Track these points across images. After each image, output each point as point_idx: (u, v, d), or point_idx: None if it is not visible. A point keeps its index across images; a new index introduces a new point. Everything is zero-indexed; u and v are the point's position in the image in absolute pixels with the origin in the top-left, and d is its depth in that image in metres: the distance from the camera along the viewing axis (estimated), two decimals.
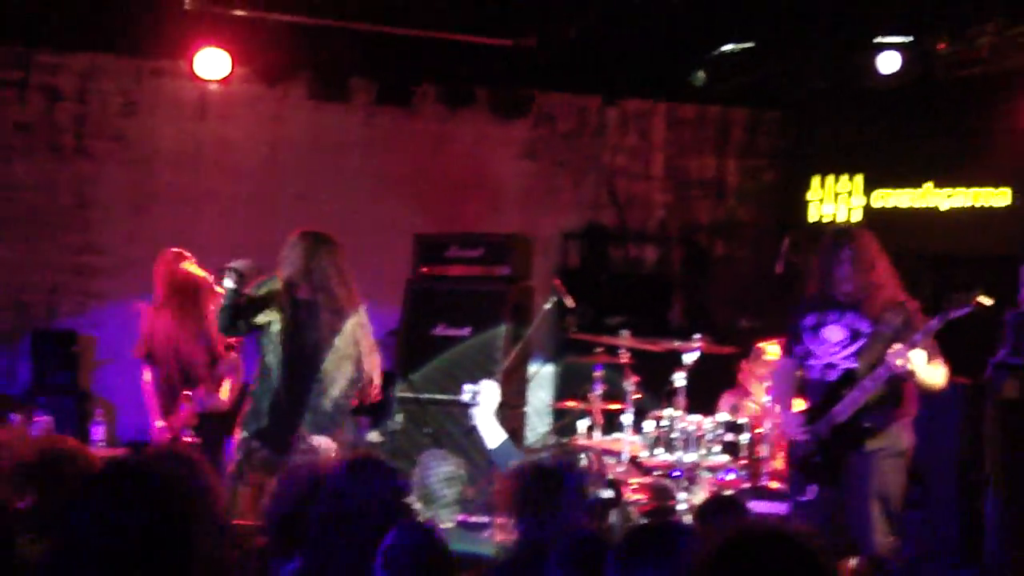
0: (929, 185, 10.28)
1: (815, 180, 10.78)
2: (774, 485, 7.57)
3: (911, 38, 8.71)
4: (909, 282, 6.51)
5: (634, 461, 8.06)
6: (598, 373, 8.26)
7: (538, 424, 9.96)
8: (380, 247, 10.14)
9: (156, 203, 10.12)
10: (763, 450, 7.70)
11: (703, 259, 11.59)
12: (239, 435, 6.71)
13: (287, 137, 10.49)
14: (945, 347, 6.25)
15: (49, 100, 9.94)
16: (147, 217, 10.06)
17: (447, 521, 5.26)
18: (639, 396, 8.10)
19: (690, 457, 7.77)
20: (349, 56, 9.89)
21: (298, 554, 4.23)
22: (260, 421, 6.65)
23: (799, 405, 6.61)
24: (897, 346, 6.05)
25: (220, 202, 10.22)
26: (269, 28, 9.15)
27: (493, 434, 5.83)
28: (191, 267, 7.61)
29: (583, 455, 8.04)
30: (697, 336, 7.97)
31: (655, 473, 8.01)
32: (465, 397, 6.08)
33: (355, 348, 6.65)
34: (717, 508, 5.22)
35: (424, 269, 8.97)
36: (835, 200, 10.71)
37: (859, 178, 10.62)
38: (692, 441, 7.79)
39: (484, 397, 5.93)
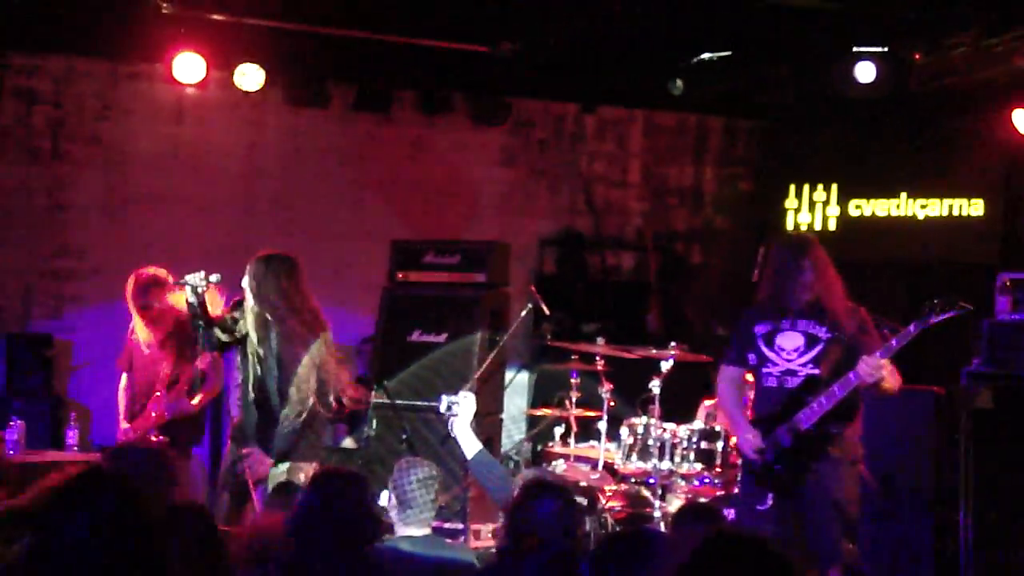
0: (904, 194, 10.34)
1: (791, 189, 10.83)
2: None
3: (887, 49, 8.74)
4: (884, 290, 6.53)
5: (609, 468, 8.06)
6: (574, 380, 8.26)
7: (514, 431, 9.96)
8: (357, 253, 10.15)
9: (132, 207, 10.08)
10: (738, 458, 7.70)
11: (680, 267, 11.61)
12: (229, 444, 6.80)
13: (264, 142, 10.47)
14: (918, 357, 6.27)
15: (25, 103, 9.89)
16: (123, 221, 10.02)
17: (423, 527, 5.27)
18: (614, 403, 8.11)
19: (665, 465, 7.79)
20: (327, 61, 9.87)
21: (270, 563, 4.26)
22: (243, 432, 6.68)
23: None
24: (877, 357, 6.02)
25: (197, 206, 10.18)
26: (247, 33, 9.13)
27: (470, 444, 5.86)
28: (171, 300, 7.49)
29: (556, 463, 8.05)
30: (673, 344, 8.00)
31: (630, 481, 8.02)
32: (442, 408, 6.11)
33: (316, 373, 6.63)
34: (693, 515, 5.21)
35: (400, 275, 8.95)
36: (811, 209, 10.75)
37: (835, 187, 10.67)
38: (667, 449, 7.80)
39: (461, 408, 5.95)
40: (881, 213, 10.44)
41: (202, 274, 6.57)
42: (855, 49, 8.79)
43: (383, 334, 8.82)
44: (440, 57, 9.75)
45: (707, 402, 8.50)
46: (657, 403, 7.89)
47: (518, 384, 10.03)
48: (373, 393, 8.49)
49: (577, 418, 8.23)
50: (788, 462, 6.22)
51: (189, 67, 9.15)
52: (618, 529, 7.39)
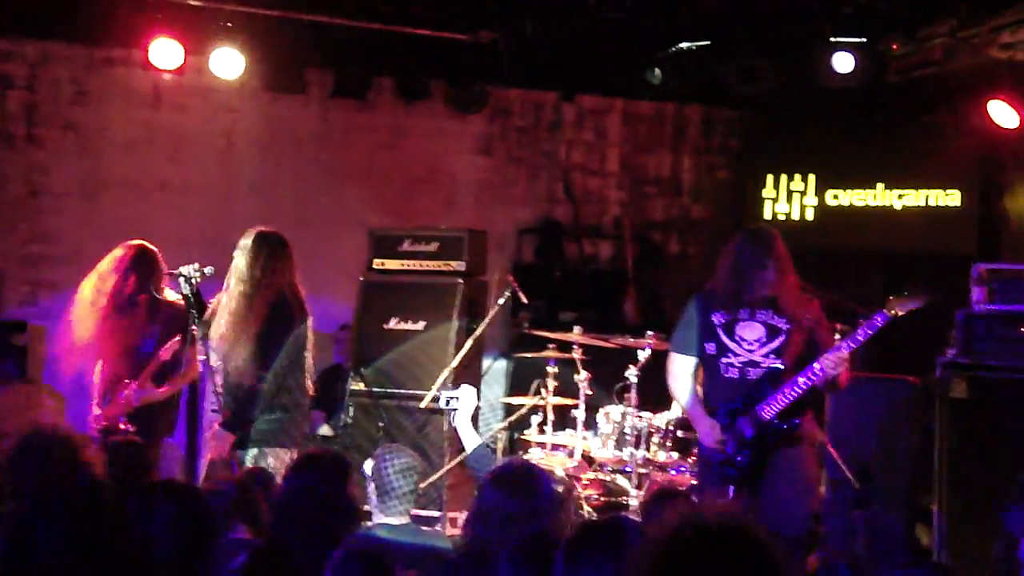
0: (881, 185, 10.37)
1: (769, 178, 10.84)
2: None
3: (865, 39, 8.76)
4: (860, 280, 6.55)
5: (586, 457, 8.08)
6: (551, 369, 8.27)
7: (491, 419, 9.96)
8: (334, 240, 10.10)
9: (108, 192, 10.02)
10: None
11: (657, 256, 11.61)
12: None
13: (242, 128, 10.42)
14: (895, 347, 6.29)
15: None
16: (99, 206, 9.96)
17: (401, 514, 5.27)
18: (592, 392, 8.12)
19: (641, 453, 7.80)
20: (305, 48, 9.83)
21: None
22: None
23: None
24: (842, 350, 6.04)
25: (173, 192, 10.14)
26: (224, 18, 9.08)
27: (470, 438, 5.86)
28: (169, 295, 7.44)
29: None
30: (650, 333, 8.01)
31: (606, 469, 8.04)
32: (441, 403, 6.12)
33: (300, 357, 6.67)
34: (661, 501, 5.22)
35: (378, 263, 8.94)
36: (789, 199, 10.77)
37: (812, 177, 10.69)
38: (644, 437, 7.82)
39: (462, 401, 5.95)
40: (858, 203, 10.47)
41: (196, 266, 6.65)
42: (833, 39, 8.81)
43: (360, 321, 8.80)
44: (419, 44, 9.72)
45: None
46: (634, 392, 7.91)
47: (495, 372, 10.04)
48: (350, 380, 8.48)
49: (554, 407, 8.24)
50: (750, 452, 6.19)
51: (166, 52, 9.10)
52: (594, 517, 7.40)
